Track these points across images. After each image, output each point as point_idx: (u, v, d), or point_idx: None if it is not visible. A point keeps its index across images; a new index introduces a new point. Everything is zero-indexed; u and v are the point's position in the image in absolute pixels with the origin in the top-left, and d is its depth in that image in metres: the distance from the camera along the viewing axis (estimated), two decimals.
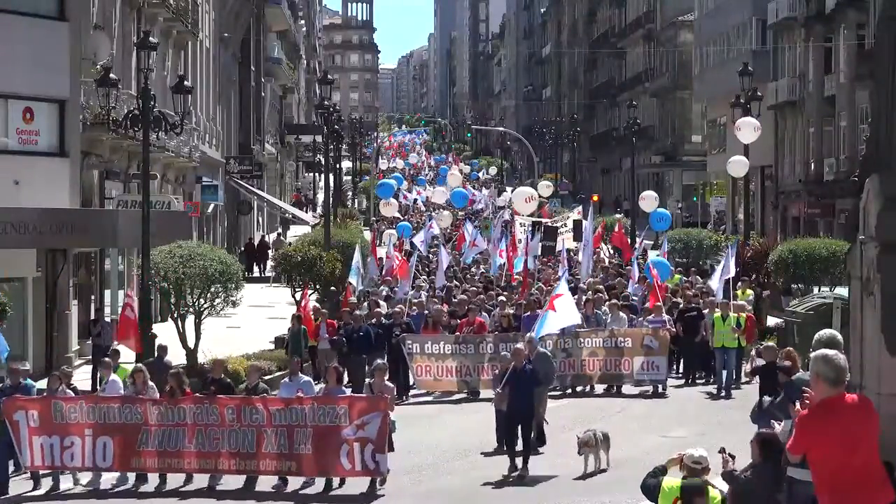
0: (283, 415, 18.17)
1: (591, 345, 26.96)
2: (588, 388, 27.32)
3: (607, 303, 29.12)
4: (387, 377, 19.94)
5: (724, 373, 26.69)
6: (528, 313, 27.53)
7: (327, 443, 17.89)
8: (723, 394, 26.42)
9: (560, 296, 22.72)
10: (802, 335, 25.08)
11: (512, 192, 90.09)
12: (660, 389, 26.87)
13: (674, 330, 27.86)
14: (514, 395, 19.64)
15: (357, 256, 32.52)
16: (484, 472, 19.92)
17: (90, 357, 32.50)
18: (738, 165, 38.49)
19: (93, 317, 31.44)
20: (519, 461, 19.29)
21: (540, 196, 58.38)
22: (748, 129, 37.36)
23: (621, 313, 28.13)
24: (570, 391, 26.98)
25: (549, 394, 26.52)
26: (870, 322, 10.34)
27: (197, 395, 19.26)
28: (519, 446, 19.57)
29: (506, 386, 19.85)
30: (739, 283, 31.44)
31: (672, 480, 10.33)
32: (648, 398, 26.57)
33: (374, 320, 28.05)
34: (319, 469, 18.27)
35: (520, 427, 19.53)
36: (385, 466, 17.95)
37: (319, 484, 18.68)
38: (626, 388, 27.18)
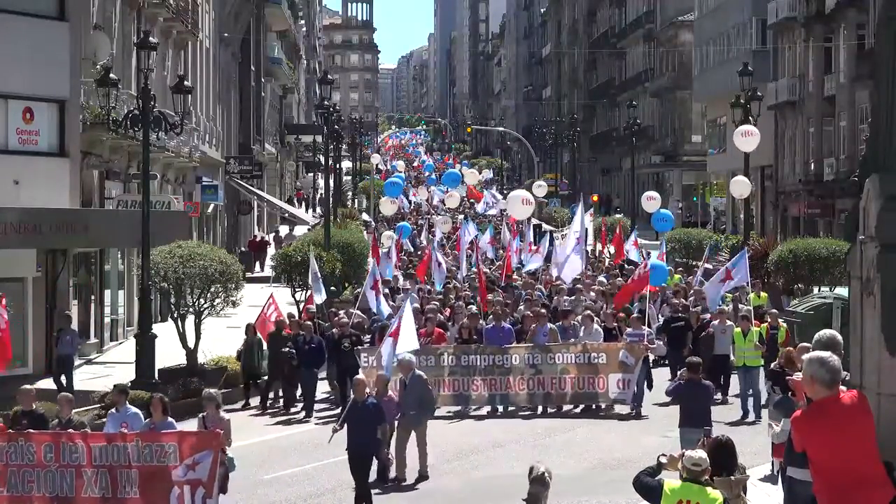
0: (104, 453, 15.79)
1: (563, 361, 24.86)
2: (559, 408, 25.23)
3: (581, 314, 27.00)
4: (221, 409, 17.24)
5: (751, 397, 23.87)
6: (493, 325, 26.20)
7: (154, 486, 15.66)
8: (748, 418, 23.49)
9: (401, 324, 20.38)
10: (802, 335, 25.02)
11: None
12: (634, 412, 24.62)
13: (653, 345, 25.78)
14: (354, 432, 17.64)
15: (313, 265, 31.15)
16: (484, 472, 19.94)
17: (89, 358, 32.54)
18: (740, 186, 38.23)
19: (58, 325, 28.89)
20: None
21: (536, 197, 57.90)
22: (751, 136, 37.05)
23: (595, 326, 25.97)
24: (540, 411, 25.09)
25: (524, 412, 25.02)
26: (870, 322, 10.34)
27: (10, 431, 16.63)
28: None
29: (345, 422, 17.97)
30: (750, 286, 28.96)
31: (674, 482, 10.29)
32: (624, 419, 24.48)
33: (334, 330, 26.40)
34: None
35: (361, 470, 17.61)
36: None
37: None
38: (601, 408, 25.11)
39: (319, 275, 30.73)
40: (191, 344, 27.56)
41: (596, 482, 18.84)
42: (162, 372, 27.05)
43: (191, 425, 16.99)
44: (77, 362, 31.31)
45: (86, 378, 29.02)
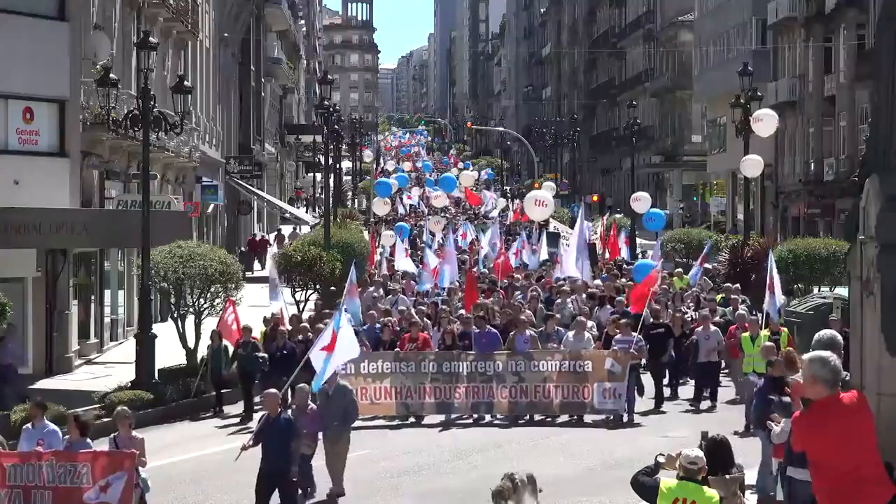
0: (18, 473, 15.13)
1: (547, 368, 23.89)
2: (547, 418, 24.25)
3: (575, 319, 26.17)
4: (133, 428, 16.30)
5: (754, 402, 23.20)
6: (479, 329, 24.94)
7: None
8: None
9: (336, 336, 18.35)
10: (802, 335, 25.00)
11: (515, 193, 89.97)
12: (625, 419, 23.75)
13: (644, 353, 24.78)
14: (267, 451, 16.53)
15: (271, 270, 30.42)
16: (484, 472, 19.93)
17: (89, 358, 32.54)
18: (752, 165, 38.06)
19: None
20: None
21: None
22: (770, 121, 36.83)
23: (586, 334, 24.77)
24: (522, 420, 24.10)
25: (504, 420, 24.08)
26: (870, 322, 10.33)
27: None
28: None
29: (257, 438, 16.76)
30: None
31: (670, 481, 10.30)
32: (619, 426, 23.58)
33: (300, 336, 25.06)
34: None
35: (278, 489, 16.59)
36: None
37: None
38: (588, 417, 24.07)
39: (278, 281, 30.29)
40: (191, 344, 27.57)
41: (596, 482, 18.85)
42: (162, 372, 27.04)
43: (105, 445, 16.26)
44: (77, 361, 31.39)
45: (86, 378, 29.06)
